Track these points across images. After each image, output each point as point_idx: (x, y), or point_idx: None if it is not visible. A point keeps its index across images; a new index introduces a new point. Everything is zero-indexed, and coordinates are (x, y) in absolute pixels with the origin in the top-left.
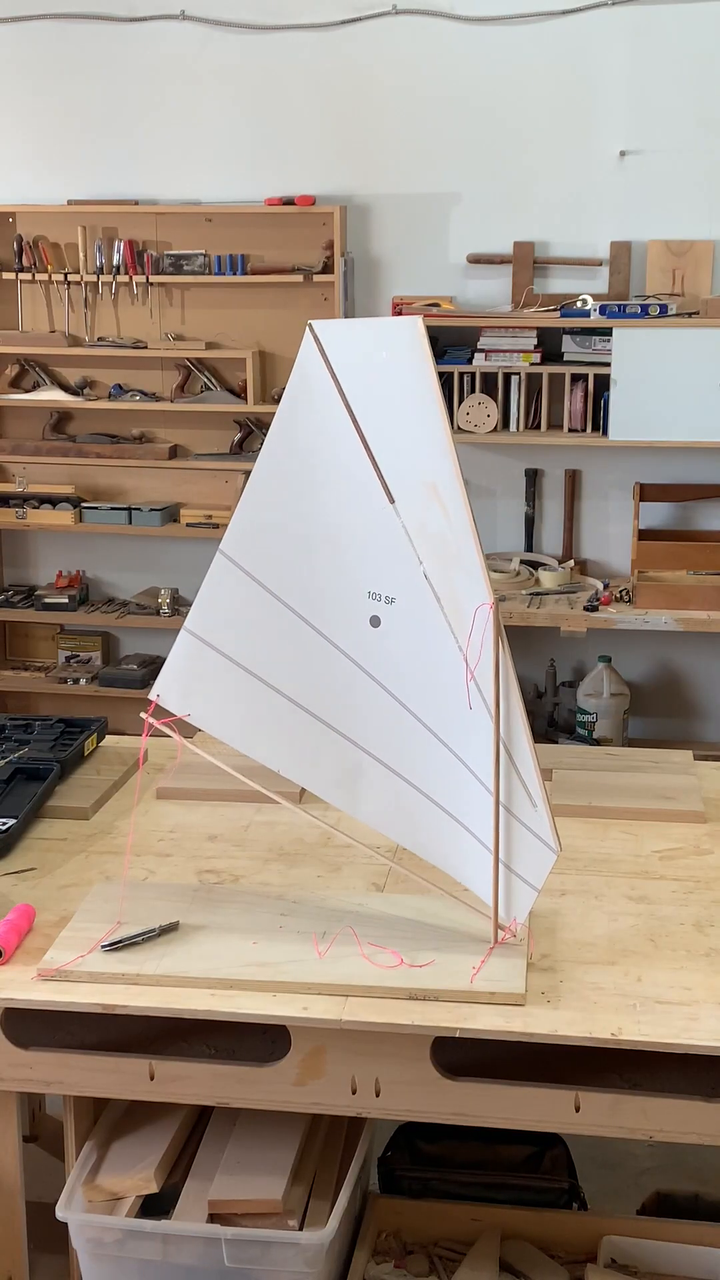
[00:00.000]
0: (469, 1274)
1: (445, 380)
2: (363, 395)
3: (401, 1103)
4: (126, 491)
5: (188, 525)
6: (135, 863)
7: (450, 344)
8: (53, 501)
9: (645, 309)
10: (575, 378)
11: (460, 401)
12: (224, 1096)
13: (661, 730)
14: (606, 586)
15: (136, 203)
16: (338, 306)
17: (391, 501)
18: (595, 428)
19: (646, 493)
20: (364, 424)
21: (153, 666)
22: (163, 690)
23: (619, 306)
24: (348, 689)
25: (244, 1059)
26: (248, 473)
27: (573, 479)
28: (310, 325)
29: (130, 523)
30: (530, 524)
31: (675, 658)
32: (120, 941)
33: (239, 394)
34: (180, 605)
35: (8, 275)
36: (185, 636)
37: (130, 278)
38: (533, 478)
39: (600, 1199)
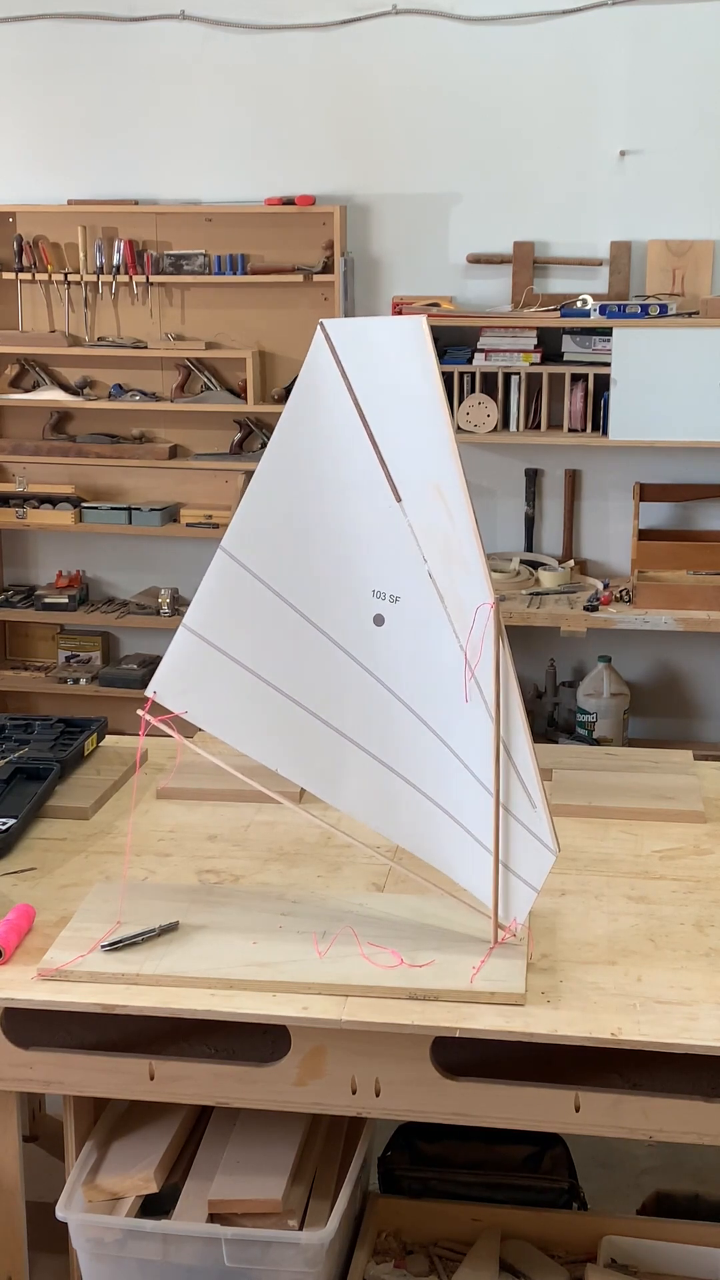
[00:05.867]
0: (469, 1274)
1: (445, 380)
2: (370, 393)
3: (401, 1103)
4: (126, 491)
5: (188, 525)
6: (135, 863)
7: (450, 344)
8: (53, 501)
9: (645, 309)
10: (575, 378)
11: (460, 401)
12: (224, 1096)
13: (661, 730)
14: (606, 586)
15: (136, 203)
16: (338, 306)
17: (398, 500)
18: (595, 428)
19: (646, 493)
20: (371, 422)
21: (152, 666)
22: (160, 687)
23: (619, 306)
24: (349, 688)
25: (244, 1059)
26: (248, 473)
27: (573, 479)
28: (322, 324)
29: (130, 523)
30: (530, 524)
31: (675, 658)
32: (120, 941)
33: (239, 394)
34: (180, 605)
35: (8, 275)
36: (184, 633)
37: (130, 278)
38: (533, 478)
39: (600, 1199)
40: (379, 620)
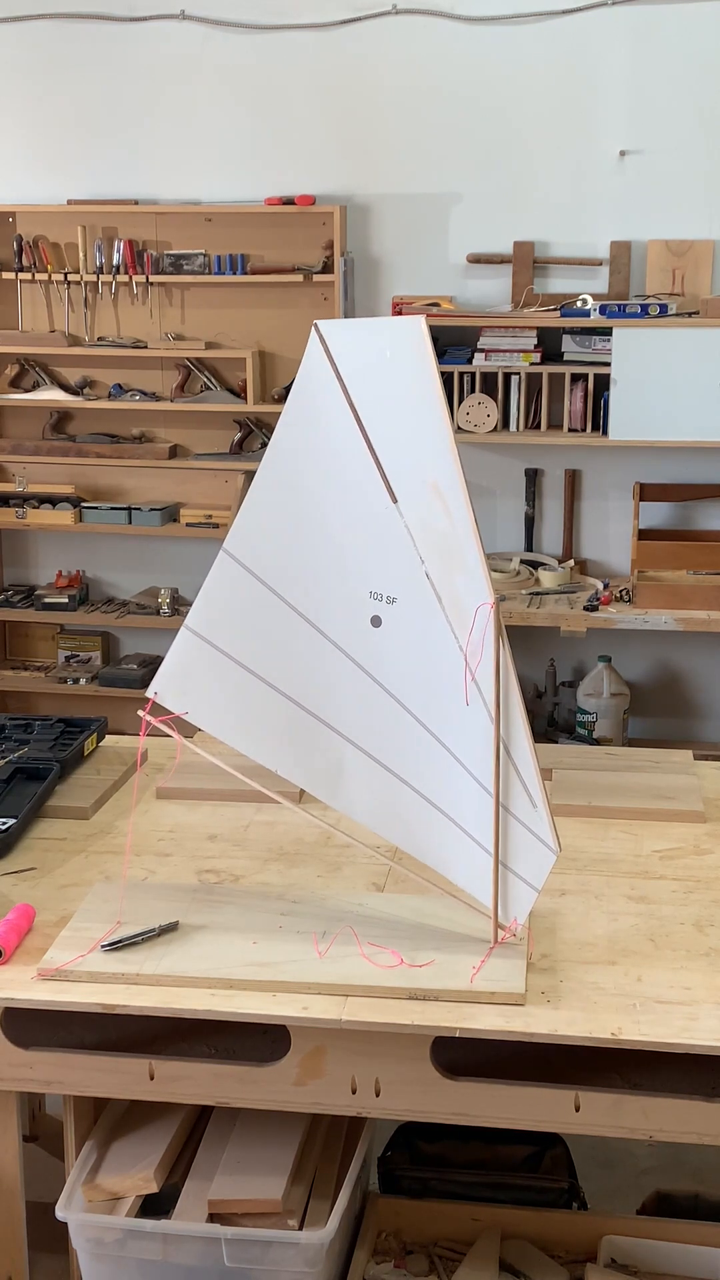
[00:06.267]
0: (469, 1274)
1: (445, 380)
2: (367, 395)
3: (401, 1103)
4: (126, 491)
5: (188, 525)
6: (135, 863)
7: (450, 344)
8: (53, 501)
9: (645, 309)
10: (575, 377)
11: (460, 401)
12: (224, 1096)
13: (661, 730)
14: (606, 586)
15: (136, 203)
16: (338, 306)
17: (394, 501)
18: (595, 428)
19: (646, 492)
20: (368, 423)
21: (153, 666)
22: (160, 688)
23: (619, 306)
24: (348, 689)
25: (244, 1059)
26: (248, 472)
27: (573, 479)
28: (316, 325)
29: (130, 523)
30: (530, 524)
31: (675, 658)
32: (120, 941)
33: (239, 394)
34: (180, 605)
35: (8, 275)
36: (185, 634)
37: (130, 278)
38: (533, 478)
39: (600, 1199)
40: (376, 621)
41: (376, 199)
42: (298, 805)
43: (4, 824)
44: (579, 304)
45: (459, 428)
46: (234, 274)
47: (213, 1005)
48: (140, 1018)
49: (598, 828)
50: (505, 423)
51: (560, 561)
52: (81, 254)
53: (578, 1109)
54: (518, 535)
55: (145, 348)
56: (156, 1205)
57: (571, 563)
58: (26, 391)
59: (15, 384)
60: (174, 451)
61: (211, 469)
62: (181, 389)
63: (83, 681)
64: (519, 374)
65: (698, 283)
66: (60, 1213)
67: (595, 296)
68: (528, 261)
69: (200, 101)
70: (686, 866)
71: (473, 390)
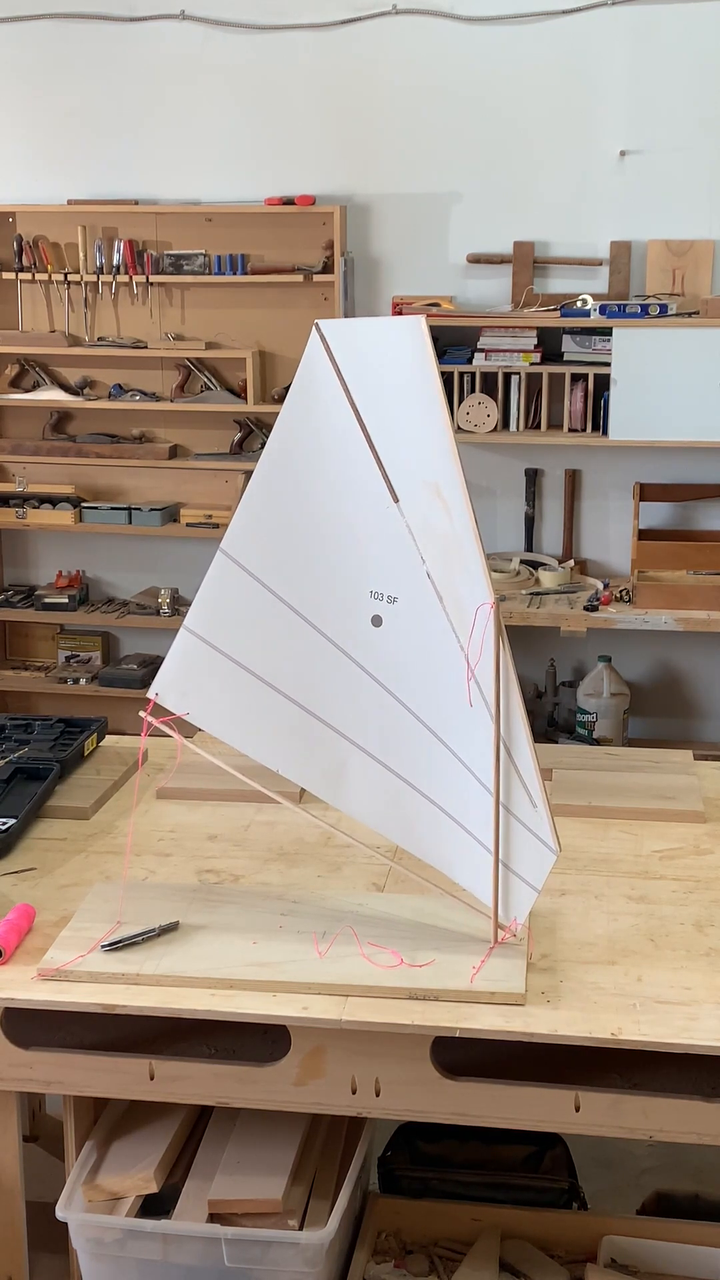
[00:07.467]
0: (469, 1274)
1: (445, 380)
2: (367, 394)
3: (401, 1103)
4: (126, 491)
5: (188, 525)
6: (135, 863)
7: (450, 344)
8: (53, 501)
9: (645, 309)
10: (575, 377)
11: (460, 401)
12: (224, 1096)
13: (661, 730)
14: (606, 586)
15: (136, 203)
16: (338, 306)
17: (395, 501)
18: (595, 428)
19: (646, 493)
20: (368, 423)
21: (153, 666)
22: (161, 689)
23: (619, 306)
24: (348, 688)
25: (244, 1059)
26: (248, 473)
27: (573, 479)
28: (317, 325)
29: (130, 523)
30: (530, 524)
31: (675, 658)
32: (120, 941)
33: (239, 394)
34: (180, 605)
35: (8, 275)
36: (185, 635)
37: (130, 278)
38: (533, 478)
39: (600, 1199)
40: (377, 621)
41: (376, 199)
42: (298, 805)
43: (4, 824)
44: (579, 304)
45: (459, 428)
46: (234, 274)
47: (213, 1005)
48: (140, 1018)
49: (598, 828)
50: (505, 423)
51: (560, 561)
52: (81, 254)
53: (578, 1109)
54: (518, 535)
55: (145, 348)
56: (156, 1205)
57: (571, 563)
58: (26, 391)
59: (15, 384)
60: (174, 451)
61: (211, 469)
62: (181, 389)
63: (83, 681)
64: (519, 374)
65: (698, 283)
66: (60, 1213)
67: (595, 296)
68: (528, 261)
69: (200, 101)
70: (686, 866)
71: (473, 390)
